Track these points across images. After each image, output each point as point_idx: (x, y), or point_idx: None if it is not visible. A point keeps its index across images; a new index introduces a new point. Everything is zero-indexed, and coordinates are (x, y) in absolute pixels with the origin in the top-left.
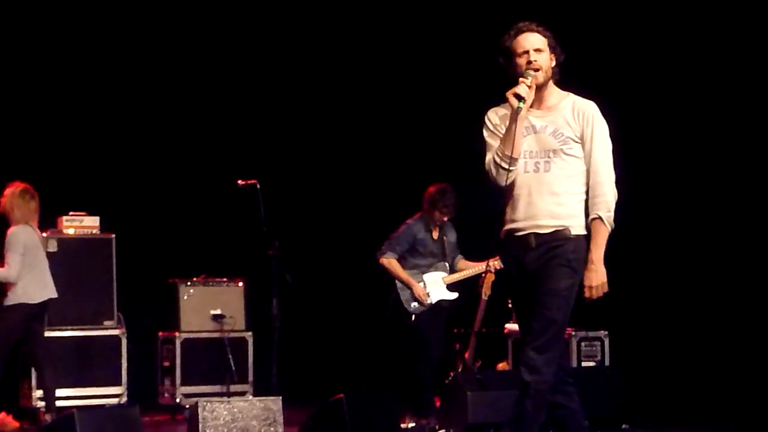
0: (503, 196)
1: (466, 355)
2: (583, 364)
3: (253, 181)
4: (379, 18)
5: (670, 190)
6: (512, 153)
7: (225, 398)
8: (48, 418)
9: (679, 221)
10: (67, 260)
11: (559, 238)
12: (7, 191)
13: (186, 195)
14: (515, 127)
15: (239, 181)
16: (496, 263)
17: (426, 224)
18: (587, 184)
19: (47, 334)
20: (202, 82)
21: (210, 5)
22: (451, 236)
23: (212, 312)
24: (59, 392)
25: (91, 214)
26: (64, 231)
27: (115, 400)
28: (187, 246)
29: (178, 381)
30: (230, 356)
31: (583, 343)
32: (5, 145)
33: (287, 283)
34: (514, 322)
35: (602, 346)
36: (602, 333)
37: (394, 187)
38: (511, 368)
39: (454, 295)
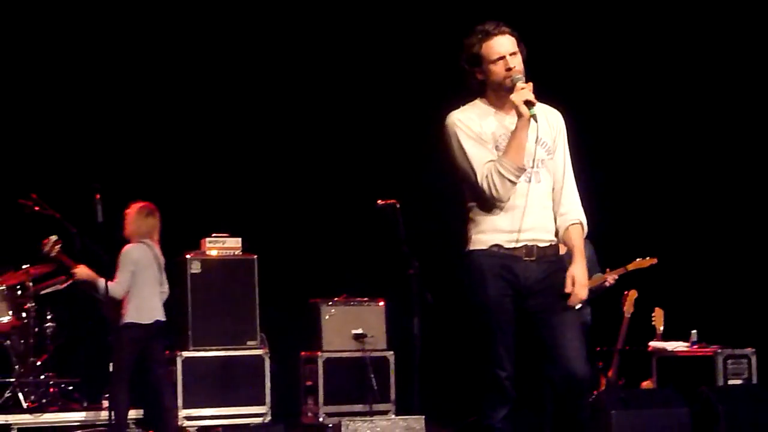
0: (471, 205)
1: (610, 374)
2: (730, 382)
3: (392, 201)
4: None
5: None
6: (522, 164)
7: (368, 417)
8: None
9: None
10: (210, 281)
11: (556, 252)
12: (129, 210)
13: (326, 216)
14: (524, 137)
15: (379, 201)
16: (611, 277)
17: None
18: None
19: (192, 354)
20: (344, 105)
21: (361, 29)
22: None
23: (353, 331)
24: (204, 411)
25: (233, 235)
26: (207, 252)
27: (259, 420)
28: (327, 266)
29: (320, 400)
30: (372, 375)
31: (729, 361)
32: (152, 168)
33: (428, 302)
34: (658, 340)
35: (749, 363)
36: (749, 350)
37: None
38: (655, 387)
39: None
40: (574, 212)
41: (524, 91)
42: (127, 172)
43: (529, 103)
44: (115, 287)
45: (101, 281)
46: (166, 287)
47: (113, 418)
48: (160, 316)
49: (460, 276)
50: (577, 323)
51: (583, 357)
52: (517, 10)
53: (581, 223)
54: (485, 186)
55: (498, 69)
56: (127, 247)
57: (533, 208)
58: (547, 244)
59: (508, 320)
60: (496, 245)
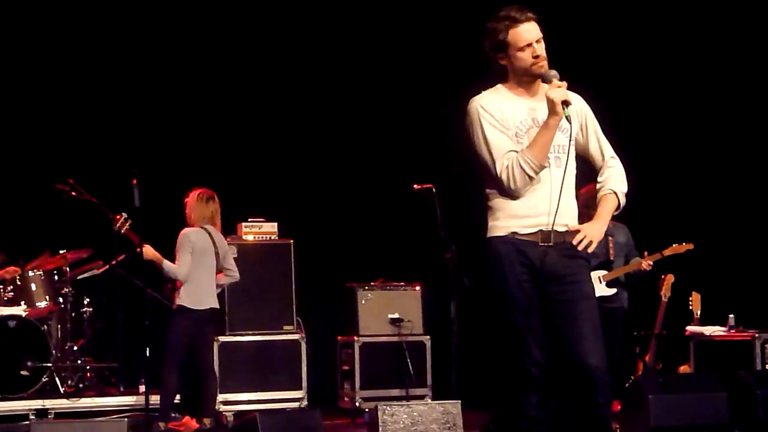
0: (489, 192)
1: (647, 358)
2: None
3: (429, 185)
4: None
5: None
6: (544, 162)
7: (404, 402)
8: (207, 422)
9: None
10: (247, 266)
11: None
12: (188, 197)
13: (363, 200)
14: (552, 135)
15: (415, 186)
16: (645, 263)
17: None
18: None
19: (228, 339)
20: (382, 89)
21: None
22: (620, 237)
23: (390, 316)
24: (241, 396)
25: (269, 220)
26: (244, 237)
27: (295, 404)
28: (364, 251)
29: (357, 385)
30: (409, 360)
31: (767, 346)
32: (188, 153)
33: (465, 286)
34: (695, 324)
35: None
36: None
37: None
38: (693, 371)
39: (612, 291)
40: (609, 183)
41: (562, 90)
42: (163, 158)
43: (565, 103)
44: (178, 269)
45: (166, 262)
46: (235, 273)
47: (159, 400)
48: (213, 303)
49: (480, 264)
50: (597, 315)
51: (600, 351)
52: None
53: (614, 193)
54: (504, 177)
55: (525, 56)
56: (185, 230)
57: (554, 193)
58: (566, 229)
59: (531, 307)
60: (513, 232)
